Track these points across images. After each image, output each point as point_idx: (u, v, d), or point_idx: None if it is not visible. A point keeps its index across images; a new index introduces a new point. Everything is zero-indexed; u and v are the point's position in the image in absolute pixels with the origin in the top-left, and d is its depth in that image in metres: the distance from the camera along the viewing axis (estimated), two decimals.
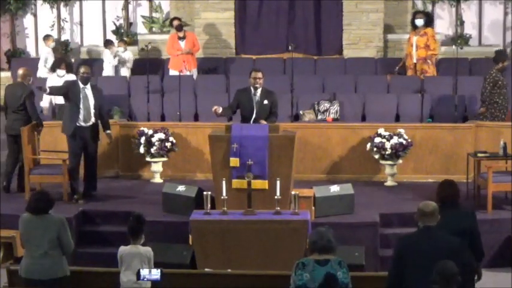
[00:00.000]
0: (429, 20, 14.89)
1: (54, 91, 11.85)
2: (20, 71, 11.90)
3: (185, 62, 14.53)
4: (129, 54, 15.72)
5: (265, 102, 10.92)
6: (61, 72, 13.64)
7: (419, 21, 14.58)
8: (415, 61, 14.52)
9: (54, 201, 7.78)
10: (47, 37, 15.78)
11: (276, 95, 11.12)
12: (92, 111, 11.13)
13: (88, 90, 11.17)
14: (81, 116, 11.07)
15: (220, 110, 10.68)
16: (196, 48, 15.21)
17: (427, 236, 6.74)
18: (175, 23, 15.24)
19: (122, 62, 15.47)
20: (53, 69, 14.05)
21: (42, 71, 15.33)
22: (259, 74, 10.98)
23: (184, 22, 15.49)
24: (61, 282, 7.54)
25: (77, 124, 11.06)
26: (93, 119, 11.17)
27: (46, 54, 15.47)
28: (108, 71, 15.44)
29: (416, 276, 6.61)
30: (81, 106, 11.05)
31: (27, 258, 7.61)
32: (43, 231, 7.49)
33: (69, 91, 11.13)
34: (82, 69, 11.23)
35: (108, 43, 15.77)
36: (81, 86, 11.12)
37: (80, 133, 11.10)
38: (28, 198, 7.86)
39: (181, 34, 15.04)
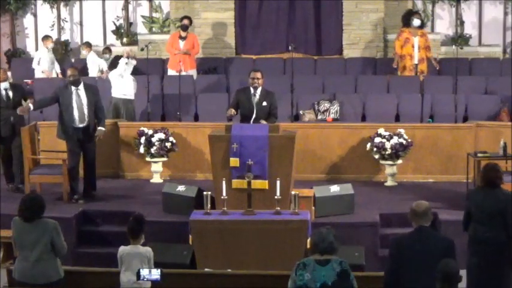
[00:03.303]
0: (424, 22, 14.95)
1: (43, 104, 11.69)
2: None
3: (181, 62, 14.49)
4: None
5: (264, 103, 10.96)
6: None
7: (417, 22, 14.59)
8: (416, 62, 14.50)
9: (45, 204, 7.60)
10: (46, 38, 15.81)
11: (275, 96, 11.15)
12: (86, 111, 11.13)
13: (80, 91, 11.16)
14: (76, 117, 11.08)
15: (234, 112, 10.75)
16: (196, 50, 15.15)
17: (421, 236, 6.84)
18: (185, 21, 15.14)
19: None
20: (114, 67, 13.82)
21: (37, 71, 15.51)
22: (258, 74, 11.02)
23: (191, 25, 15.39)
24: (56, 285, 7.51)
25: (73, 125, 11.08)
26: (87, 119, 11.17)
27: (40, 55, 15.57)
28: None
29: (413, 276, 6.70)
30: (75, 108, 11.07)
31: (21, 262, 7.52)
32: (37, 236, 7.41)
33: (60, 96, 11.13)
34: (69, 72, 11.27)
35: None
36: (73, 88, 11.13)
37: (76, 134, 11.12)
38: (20, 202, 7.61)
39: (183, 34, 15.02)
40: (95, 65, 15.54)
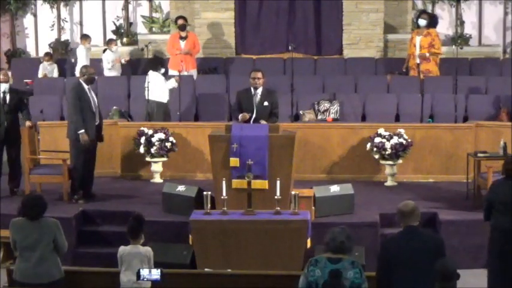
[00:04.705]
0: (433, 22, 14.88)
1: (79, 116, 10.99)
2: None
3: (183, 62, 14.48)
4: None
5: (266, 103, 10.96)
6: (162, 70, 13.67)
7: (422, 22, 14.57)
8: (418, 61, 14.50)
9: (47, 203, 7.61)
10: (85, 37, 15.77)
11: (276, 95, 11.16)
12: (98, 110, 11.16)
13: (91, 90, 11.17)
14: (96, 116, 11.09)
15: (246, 116, 10.77)
16: (197, 49, 15.19)
17: (410, 236, 6.87)
18: (180, 22, 15.18)
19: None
20: (155, 68, 13.67)
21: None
22: (259, 74, 11.04)
23: (188, 24, 15.41)
24: (58, 283, 7.51)
25: (95, 124, 11.04)
26: (99, 118, 11.20)
27: (83, 54, 15.49)
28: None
29: (406, 276, 6.71)
30: (94, 106, 11.05)
31: (22, 262, 7.49)
32: (40, 235, 7.41)
33: (80, 96, 10.99)
34: (91, 70, 11.19)
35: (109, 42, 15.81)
36: (86, 87, 11.08)
37: (93, 133, 11.08)
38: (21, 203, 7.61)
39: (183, 34, 15.04)
40: (111, 59, 15.50)
